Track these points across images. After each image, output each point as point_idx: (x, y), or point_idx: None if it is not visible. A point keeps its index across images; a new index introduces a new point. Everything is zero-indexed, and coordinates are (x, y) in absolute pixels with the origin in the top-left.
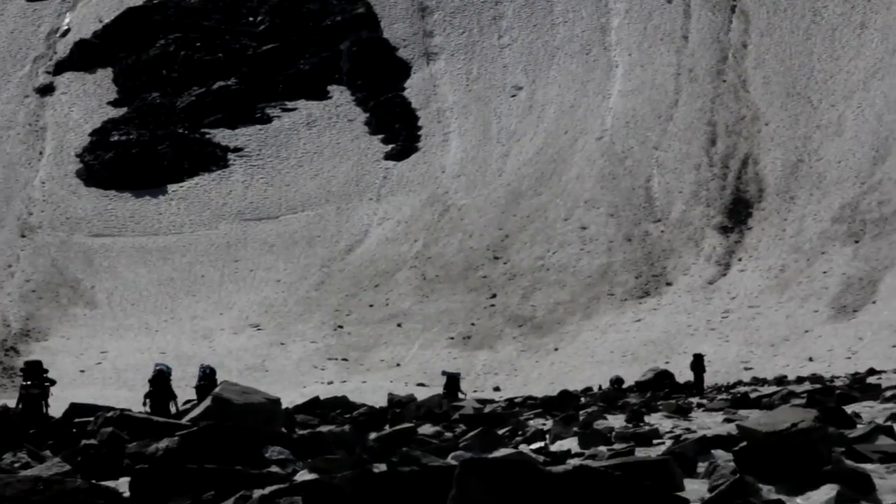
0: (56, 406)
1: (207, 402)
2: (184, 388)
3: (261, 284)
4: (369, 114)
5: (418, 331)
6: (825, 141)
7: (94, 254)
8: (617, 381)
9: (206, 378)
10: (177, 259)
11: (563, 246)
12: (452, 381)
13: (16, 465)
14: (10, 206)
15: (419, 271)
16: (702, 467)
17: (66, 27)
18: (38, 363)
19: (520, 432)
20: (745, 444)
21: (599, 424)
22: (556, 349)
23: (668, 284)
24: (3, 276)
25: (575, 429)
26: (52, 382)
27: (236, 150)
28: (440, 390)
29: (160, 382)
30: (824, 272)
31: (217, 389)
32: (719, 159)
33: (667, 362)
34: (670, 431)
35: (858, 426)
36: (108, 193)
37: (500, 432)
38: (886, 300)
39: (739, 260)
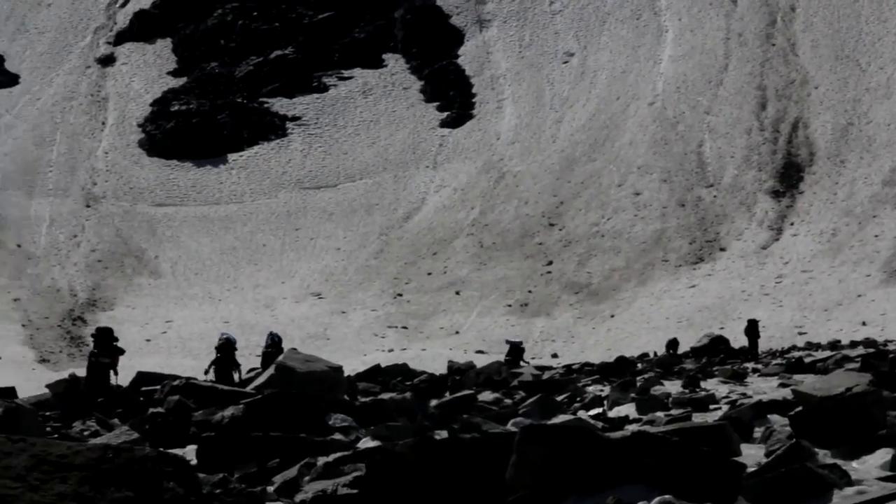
0: (123, 375)
1: (271, 370)
2: (247, 356)
3: (321, 253)
4: (424, 82)
5: (476, 298)
6: (874, 104)
7: (157, 223)
8: (672, 345)
9: (274, 346)
10: (238, 228)
11: (616, 212)
12: (515, 349)
13: (85, 433)
14: (75, 176)
15: (476, 238)
16: (758, 432)
17: None
18: (109, 331)
19: (578, 399)
20: (800, 408)
21: (657, 390)
22: (612, 316)
23: (722, 250)
24: (70, 245)
25: (632, 395)
26: (122, 351)
27: (294, 118)
28: (500, 357)
29: (226, 351)
30: (876, 236)
31: (281, 358)
32: (770, 123)
33: (721, 328)
34: (726, 397)
35: None
36: (170, 163)
37: (559, 399)
38: None
39: (791, 224)
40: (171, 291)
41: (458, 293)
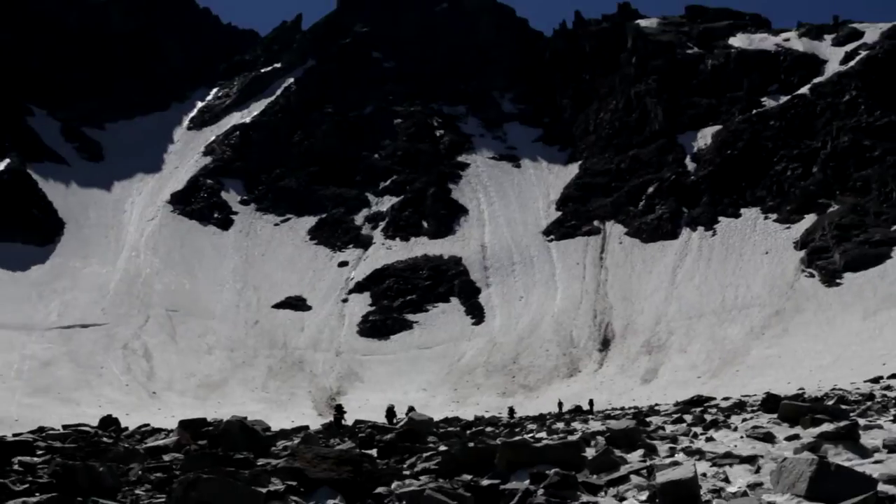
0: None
1: (405, 419)
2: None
3: None
4: None
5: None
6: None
7: None
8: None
9: (390, 412)
10: None
11: None
12: (390, 411)
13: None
14: None
15: None
16: (594, 444)
17: None
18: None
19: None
20: (609, 434)
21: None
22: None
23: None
24: None
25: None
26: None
27: None
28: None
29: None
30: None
31: (409, 413)
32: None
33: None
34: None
35: None
36: None
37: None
38: None
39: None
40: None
41: None
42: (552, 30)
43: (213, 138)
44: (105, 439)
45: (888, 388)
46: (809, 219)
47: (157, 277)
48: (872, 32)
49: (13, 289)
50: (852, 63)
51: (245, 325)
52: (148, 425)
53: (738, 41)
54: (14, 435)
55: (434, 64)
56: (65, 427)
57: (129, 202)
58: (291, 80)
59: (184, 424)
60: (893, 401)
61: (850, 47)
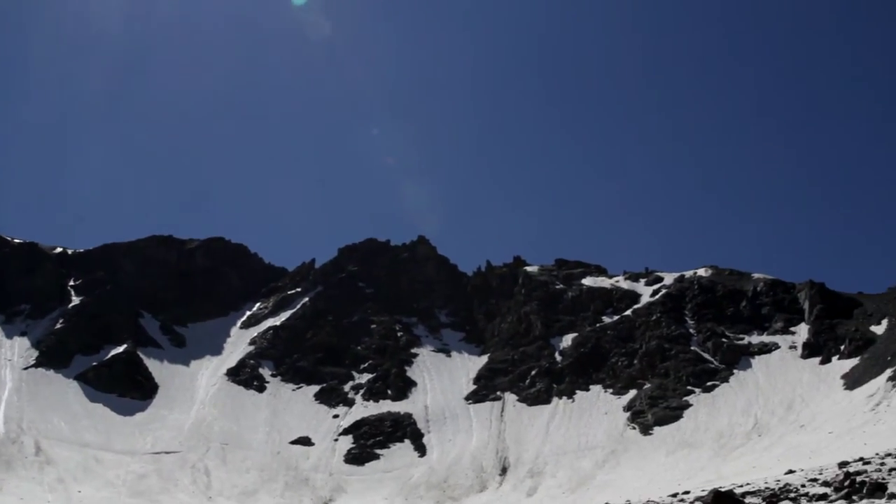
0: None
1: None
2: None
3: None
4: None
5: None
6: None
7: None
8: None
9: None
10: None
11: None
12: None
13: None
14: None
15: None
16: None
17: None
18: None
19: None
20: None
21: None
22: None
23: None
24: None
25: None
26: None
27: None
28: None
29: None
30: None
31: None
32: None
33: None
34: None
35: None
36: None
37: None
38: None
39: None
40: None
41: None
42: (472, 271)
43: (255, 334)
44: None
45: (682, 500)
46: (632, 393)
47: (216, 422)
48: (669, 278)
49: (123, 427)
50: (657, 296)
51: (271, 455)
52: None
53: (587, 281)
54: None
55: (398, 291)
56: None
57: (200, 374)
58: (307, 299)
59: None
60: None
61: (655, 287)
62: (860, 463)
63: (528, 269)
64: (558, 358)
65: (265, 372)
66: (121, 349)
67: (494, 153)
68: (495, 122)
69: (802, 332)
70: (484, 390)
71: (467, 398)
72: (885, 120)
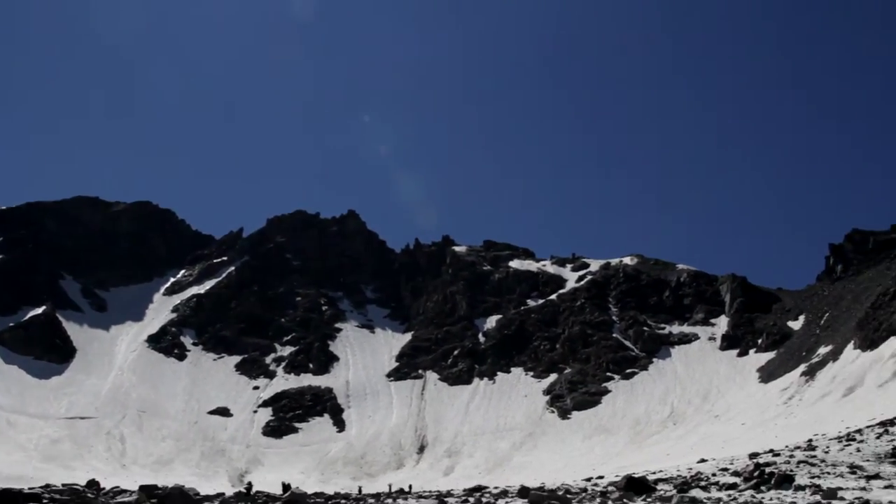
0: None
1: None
2: None
3: None
4: None
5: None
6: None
7: None
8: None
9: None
10: None
11: None
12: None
13: None
14: None
15: None
16: None
17: None
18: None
19: None
20: None
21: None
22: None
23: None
24: None
25: None
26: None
27: None
28: None
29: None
30: None
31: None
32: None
33: None
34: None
35: None
36: None
37: None
38: None
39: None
40: None
41: None
42: (401, 249)
43: (178, 302)
44: (89, 495)
45: (595, 484)
46: (553, 377)
47: (134, 389)
48: (595, 264)
49: (38, 390)
50: (583, 282)
51: (188, 424)
52: (118, 487)
53: (514, 264)
54: (28, 489)
55: (325, 264)
56: (63, 485)
57: (120, 339)
58: (233, 268)
59: (142, 488)
60: (599, 493)
61: (581, 272)
62: (770, 454)
63: (457, 248)
64: (482, 339)
65: (186, 340)
66: (39, 311)
67: (430, 132)
68: (428, 103)
69: (722, 324)
70: (406, 368)
71: (389, 375)
72: (813, 119)
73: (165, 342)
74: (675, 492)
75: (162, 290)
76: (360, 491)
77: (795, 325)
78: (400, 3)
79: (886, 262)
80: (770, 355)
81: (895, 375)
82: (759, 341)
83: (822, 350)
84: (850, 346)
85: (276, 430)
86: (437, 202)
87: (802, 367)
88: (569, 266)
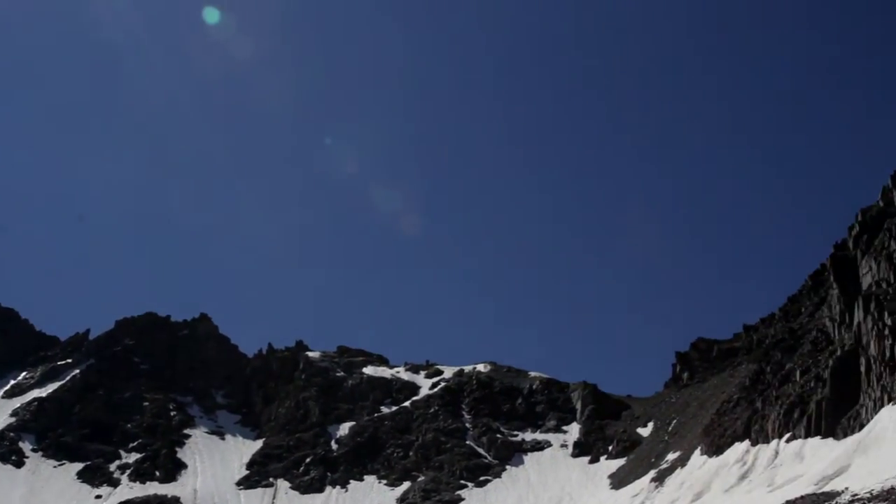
0: None
1: None
2: None
3: None
4: None
5: None
6: None
7: None
8: None
9: None
10: None
11: None
12: None
13: None
14: None
15: None
16: None
17: None
18: None
19: None
20: None
21: None
22: None
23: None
24: None
25: None
26: None
27: None
28: None
29: None
30: None
31: None
32: None
33: None
34: None
35: None
36: None
37: None
38: None
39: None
40: None
41: None
42: (253, 353)
43: (18, 405)
44: None
45: None
46: (407, 484)
47: None
48: (449, 371)
49: None
50: (436, 389)
51: None
52: None
53: (368, 370)
54: None
55: (174, 368)
56: None
57: None
58: (77, 371)
59: None
60: None
61: (435, 379)
62: None
63: (310, 354)
64: (334, 446)
65: (25, 446)
66: None
67: (289, 234)
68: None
69: (574, 431)
70: (256, 476)
71: (239, 483)
72: (666, 235)
73: (3, 448)
74: None
75: (0, 392)
76: None
77: (644, 431)
78: None
79: (730, 370)
80: (621, 462)
81: (740, 480)
82: (610, 448)
83: (671, 456)
84: (698, 451)
85: None
86: (290, 307)
87: (652, 473)
88: (422, 373)
